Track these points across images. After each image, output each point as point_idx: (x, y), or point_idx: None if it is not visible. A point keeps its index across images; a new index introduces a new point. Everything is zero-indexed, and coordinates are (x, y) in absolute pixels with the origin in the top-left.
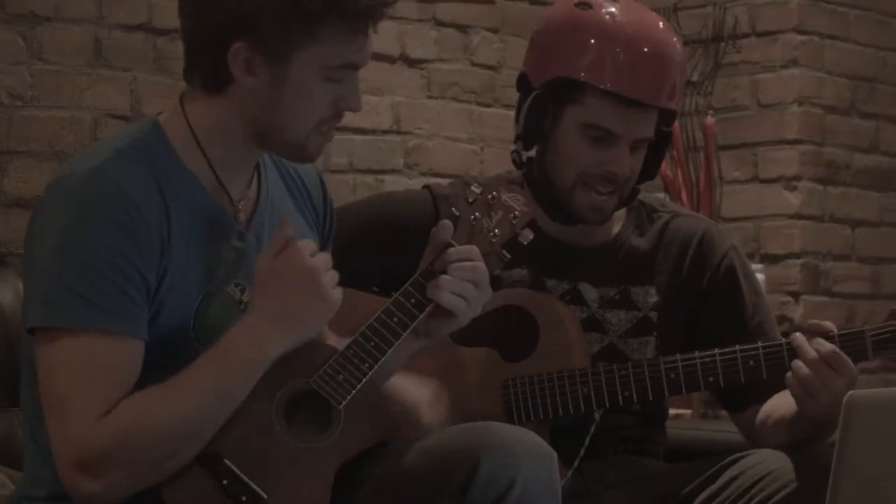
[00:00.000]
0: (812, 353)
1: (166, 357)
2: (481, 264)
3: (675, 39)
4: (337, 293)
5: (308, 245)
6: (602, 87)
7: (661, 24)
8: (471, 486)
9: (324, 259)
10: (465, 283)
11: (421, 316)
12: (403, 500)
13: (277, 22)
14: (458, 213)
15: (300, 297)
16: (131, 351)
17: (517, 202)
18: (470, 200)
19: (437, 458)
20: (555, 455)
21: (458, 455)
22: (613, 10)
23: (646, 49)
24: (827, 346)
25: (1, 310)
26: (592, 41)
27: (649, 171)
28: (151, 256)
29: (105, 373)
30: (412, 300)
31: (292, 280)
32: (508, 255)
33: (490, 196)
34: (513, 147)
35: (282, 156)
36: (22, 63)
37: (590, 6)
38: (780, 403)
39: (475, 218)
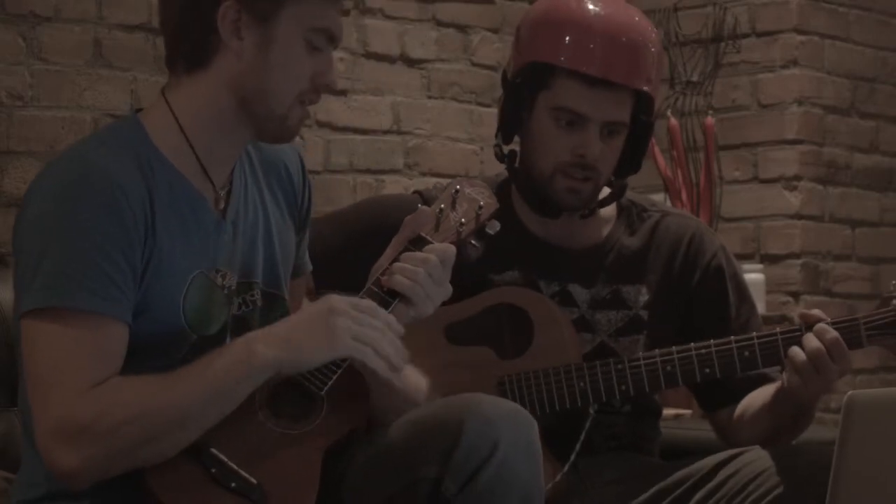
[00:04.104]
0: (814, 341)
1: (158, 342)
2: (433, 256)
3: (646, 25)
4: (348, 341)
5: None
6: (565, 66)
7: (632, 11)
8: (454, 453)
9: (353, 304)
10: (414, 268)
11: (395, 303)
12: (389, 471)
13: None
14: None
15: (308, 325)
16: (116, 333)
17: (482, 195)
18: (436, 195)
19: (420, 429)
20: (535, 422)
21: (442, 424)
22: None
23: (608, 28)
24: (832, 333)
25: (1, 310)
26: (559, 25)
27: (632, 162)
28: (137, 240)
29: (90, 353)
30: (385, 289)
31: (313, 310)
32: (476, 244)
33: (454, 191)
34: (494, 141)
35: (263, 132)
36: (22, 63)
37: None
38: (757, 397)
39: (441, 210)
